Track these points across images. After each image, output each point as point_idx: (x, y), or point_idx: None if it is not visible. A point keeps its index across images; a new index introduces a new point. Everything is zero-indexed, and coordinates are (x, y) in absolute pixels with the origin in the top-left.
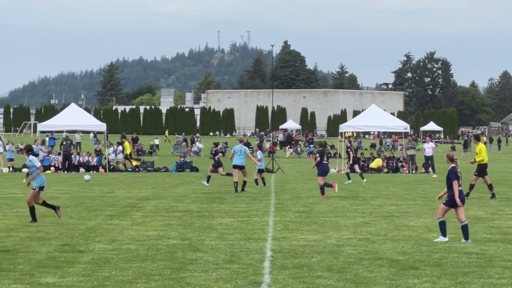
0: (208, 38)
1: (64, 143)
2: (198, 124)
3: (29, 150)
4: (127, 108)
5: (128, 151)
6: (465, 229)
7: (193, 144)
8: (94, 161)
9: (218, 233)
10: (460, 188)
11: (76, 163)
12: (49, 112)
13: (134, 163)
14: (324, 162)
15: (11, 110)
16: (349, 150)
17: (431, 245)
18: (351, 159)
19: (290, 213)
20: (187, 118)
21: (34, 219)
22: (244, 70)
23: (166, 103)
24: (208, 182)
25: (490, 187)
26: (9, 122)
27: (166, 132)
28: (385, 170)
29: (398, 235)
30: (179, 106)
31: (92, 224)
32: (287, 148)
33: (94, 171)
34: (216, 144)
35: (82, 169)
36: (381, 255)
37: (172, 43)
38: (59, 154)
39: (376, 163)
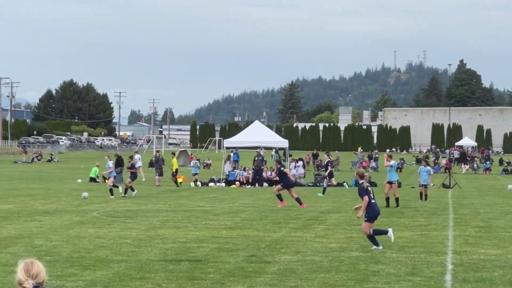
0: (384, 58)
1: (256, 158)
2: (375, 141)
3: None
4: (307, 125)
5: (174, 167)
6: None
7: (371, 161)
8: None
9: (399, 246)
10: (373, 201)
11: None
12: (232, 128)
13: (180, 179)
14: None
15: (197, 127)
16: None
17: None
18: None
19: (469, 228)
20: (365, 135)
21: None
22: (420, 89)
23: (344, 120)
24: None
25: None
26: (195, 139)
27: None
28: None
29: None
30: (356, 124)
31: (277, 236)
32: (462, 164)
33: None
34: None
35: (265, 184)
36: None
37: (349, 62)
38: (244, 169)
39: None
